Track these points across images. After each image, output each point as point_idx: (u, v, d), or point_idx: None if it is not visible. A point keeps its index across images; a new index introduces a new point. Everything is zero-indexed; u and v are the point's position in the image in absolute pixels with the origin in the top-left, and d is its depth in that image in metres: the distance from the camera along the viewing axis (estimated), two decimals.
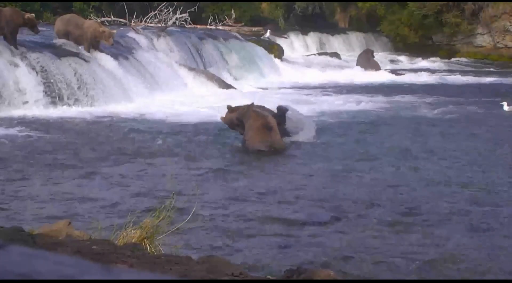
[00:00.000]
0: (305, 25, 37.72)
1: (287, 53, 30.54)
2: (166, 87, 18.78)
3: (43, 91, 15.51)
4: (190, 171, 9.99)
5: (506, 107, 16.86)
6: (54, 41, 17.83)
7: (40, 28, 16.99)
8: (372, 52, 29.48)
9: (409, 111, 16.88)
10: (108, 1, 29.60)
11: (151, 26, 24.58)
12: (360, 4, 39.19)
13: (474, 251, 6.69)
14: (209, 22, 28.93)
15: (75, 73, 16.29)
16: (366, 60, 28.22)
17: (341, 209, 8.03)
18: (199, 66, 21.95)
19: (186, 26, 26.44)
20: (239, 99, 14.48)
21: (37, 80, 15.52)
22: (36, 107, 15.13)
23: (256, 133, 11.15)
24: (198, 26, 27.91)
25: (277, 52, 28.89)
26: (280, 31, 35.15)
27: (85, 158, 10.65)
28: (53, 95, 15.67)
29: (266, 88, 21.54)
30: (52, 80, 15.78)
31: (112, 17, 25.14)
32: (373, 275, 5.99)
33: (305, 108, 17.06)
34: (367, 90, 21.43)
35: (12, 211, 7.65)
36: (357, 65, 28.30)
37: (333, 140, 12.62)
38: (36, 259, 0.95)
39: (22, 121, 13.81)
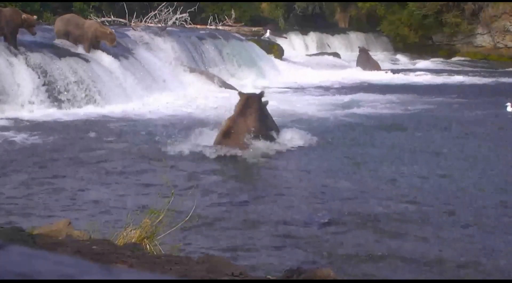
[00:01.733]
0: (305, 25, 37.73)
1: (287, 53, 30.55)
2: (166, 87, 18.79)
3: (43, 91, 15.51)
4: (189, 170, 9.99)
5: (510, 108, 16.53)
6: (54, 41, 17.85)
7: (42, 26, 16.99)
8: (367, 51, 29.51)
9: (409, 111, 16.87)
10: (108, 1, 29.60)
11: (151, 26, 24.57)
12: (360, 4, 39.20)
13: (474, 252, 6.69)
14: (209, 22, 28.94)
15: (75, 73, 16.30)
16: (366, 60, 28.24)
17: (341, 209, 8.03)
18: (199, 66, 21.95)
19: (186, 26, 26.44)
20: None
21: (37, 80, 15.52)
22: (36, 107, 15.13)
23: (220, 135, 11.11)
24: (198, 26, 27.91)
25: (277, 52, 28.90)
26: (280, 31, 35.17)
27: (84, 158, 10.65)
28: (53, 95, 15.67)
29: (266, 88, 21.53)
30: (52, 80, 15.78)
31: (112, 17, 25.14)
32: (373, 275, 5.99)
33: (304, 108, 17.08)
34: (367, 90, 21.43)
35: (12, 211, 7.65)
36: (357, 65, 28.32)
37: (333, 140, 12.60)
38: (36, 259, 0.95)
39: (22, 121, 13.81)
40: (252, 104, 11.34)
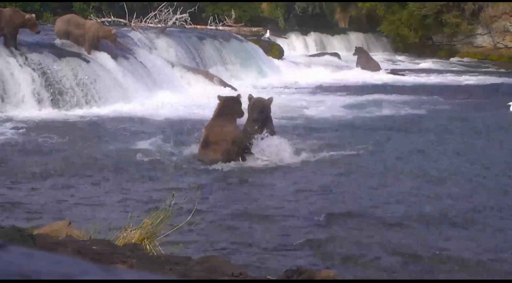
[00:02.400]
0: (305, 25, 37.72)
1: (287, 53, 30.54)
2: (166, 87, 18.78)
3: (42, 91, 15.51)
4: (190, 170, 9.99)
5: None
6: (54, 41, 17.86)
7: (42, 27, 17.01)
8: (366, 51, 29.52)
9: (410, 112, 16.86)
10: (108, 1, 29.59)
11: (151, 26, 24.57)
12: (360, 4, 39.16)
13: (475, 252, 6.69)
14: (209, 22, 28.94)
15: (75, 73, 16.29)
16: (366, 60, 28.22)
17: (342, 209, 8.03)
18: (199, 66, 21.95)
19: (186, 26, 26.44)
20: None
21: (37, 80, 15.52)
22: (36, 108, 15.13)
23: (200, 147, 10.73)
24: (198, 26, 27.91)
25: (277, 52, 28.89)
26: (280, 31, 35.17)
27: (84, 158, 10.65)
28: (53, 96, 15.66)
29: (266, 88, 21.54)
30: (52, 80, 15.78)
31: (112, 17, 25.13)
32: (373, 275, 5.99)
33: (304, 108, 17.08)
34: (367, 90, 21.42)
35: (12, 211, 7.65)
36: (357, 65, 28.29)
37: (332, 141, 12.60)
38: (36, 259, 0.95)
39: (22, 121, 13.81)
40: (229, 108, 10.71)
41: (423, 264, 6.28)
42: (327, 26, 38.87)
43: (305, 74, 25.66)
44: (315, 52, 34.63)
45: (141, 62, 19.16)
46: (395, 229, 7.33)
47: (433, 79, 25.94)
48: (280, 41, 31.98)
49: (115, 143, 11.97)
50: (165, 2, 26.00)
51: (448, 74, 27.53)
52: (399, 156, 11.29)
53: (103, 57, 17.63)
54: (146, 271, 2.35)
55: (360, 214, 7.84)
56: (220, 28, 28.65)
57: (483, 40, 35.68)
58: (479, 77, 26.53)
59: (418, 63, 33.09)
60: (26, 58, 15.76)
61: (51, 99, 15.58)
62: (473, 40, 35.82)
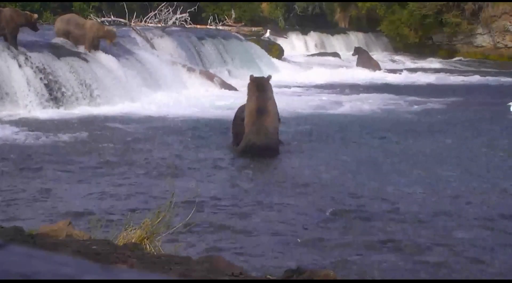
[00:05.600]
0: (305, 25, 37.76)
1: (287, 53, 30.56)
2: (166, 87, 18.79)
3: (43, 91, 15.50)
4: (190, 170, 9.99)
5: None
6: (54, 41, 17.86)
7: (40, 26, 17.06)
8: (366, 51, 29.55)
9: (409, 111, 16.85)
10: (108, 1, 29.61)
11: (151, 26, 24.59)
12: (360, 4, 39.18)
13: (476, 252, 6.69)
14: (209, 22, 28.97)
15: (75, 73, 16.29)
16: (367, 60, 28.25)
17: (341, 209, 8.03)
18: (199, 66, 21.96)
19: (186, 26, 26.46)
20: (239, 99, 14.46)
21: (37, 80, 15.51)
22: (36, 107, 15.12)
23: (248, 120, 10.79)
24: (198, 26, 27.93)
25: (277, 52, 28.91)
26: (280, 31, 35.20)
27: (84, 158, 10.64)
28: (53, 95, 15.66)
29: None
30: (52, 80, 15.78)
31: (112, 17, 25.15)
32: (373, 275, 5.99)
33: (304, 107, 17.08)
34: (367, 90, 21.41)
35: (12, 211, 7.65)
36: (357, 65, 28.31)
37: (332, 140, 12.60)
38: (36, 259, 0.95)
39: (22, 121, 13.81)
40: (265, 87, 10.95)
41: (423, 263, 6.28)
42: (327, 26, 38.91)
43: (305, 74, 25.67)
44: (315, 52, 34.66)
45: (141, 61, 19.17)
46: (396, 229, 7.32)
47: (433, 78, 25.92)
48: (280, 41, 32.00)
49: (115, 143, 11.96)
50: (165, 2, 26.03)
51: (448, 74, 27.52)
52: (397, 157, 11.29)
53: (103, 57, 17.64)
54: (146, 271, 2.35)
55: (361, 214, 7.84)
56: (220, 28, 28.69)
57: (483, 40, 35.69)
58: (479, 77, 26.51)
59: (418, 63, 33.10)
60: (26, 57, 15.75)
61: (51, 99, 15.57)
62: (473, 40, 35.82)
